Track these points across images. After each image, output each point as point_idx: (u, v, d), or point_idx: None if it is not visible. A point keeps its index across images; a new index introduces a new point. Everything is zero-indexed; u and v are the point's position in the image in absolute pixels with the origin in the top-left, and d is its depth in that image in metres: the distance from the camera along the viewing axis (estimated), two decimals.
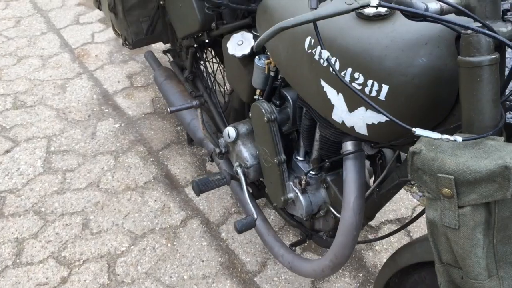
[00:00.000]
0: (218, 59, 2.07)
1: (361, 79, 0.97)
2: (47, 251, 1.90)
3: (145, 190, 2.15)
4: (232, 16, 1.68)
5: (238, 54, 1.47)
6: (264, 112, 1.43)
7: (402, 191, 2.15)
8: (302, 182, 1.46)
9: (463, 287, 0.84)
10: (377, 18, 0.98)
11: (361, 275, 1.83)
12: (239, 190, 1.72)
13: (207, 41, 1.78)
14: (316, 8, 0.82)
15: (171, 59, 2.24)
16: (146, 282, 1.79)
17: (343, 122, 1.09)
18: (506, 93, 0.87)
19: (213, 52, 2.06)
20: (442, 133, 0.76)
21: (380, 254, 1.90)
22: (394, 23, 0.95)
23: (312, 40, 1.07)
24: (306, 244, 1.94)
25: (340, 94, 1.04)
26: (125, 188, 2.16)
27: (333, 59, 1.02)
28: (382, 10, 0.97)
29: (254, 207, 1.59)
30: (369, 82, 0.96)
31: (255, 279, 1.82)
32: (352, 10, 0.76)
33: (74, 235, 1.96)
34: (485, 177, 0.73)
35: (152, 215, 2.04)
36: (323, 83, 1.07)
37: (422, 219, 1.96)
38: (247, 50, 1.46)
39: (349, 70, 0.99)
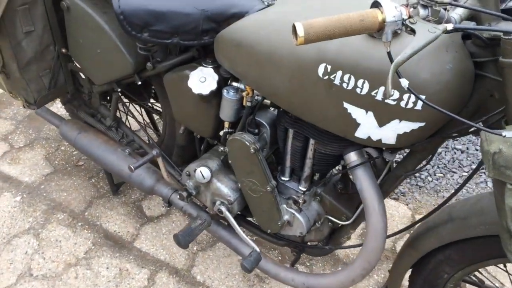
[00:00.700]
0: (147, 99, 1.90)
1: (396, 95, 1.01)
2: None
3: (90, 261, 1.90)
4: (164, 52, 1.56)
5: (206, 91, 1.38)
6: (248, 144, 1.38)
7: None
8: (299, 201, 1.46)
9: None
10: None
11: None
12: (222, 229, 1.63)
13: (139, 83, 1.63)
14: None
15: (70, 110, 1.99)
16: None
17: (368, 137, 1.12)
18: None
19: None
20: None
21: None
22: (413, 37, 1.01)
23: (329, 67, 1.06)
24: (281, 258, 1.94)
25: (370, 112, 1.06)
26: (65, 266, 1.88)
27: (360, 82, 1.03)
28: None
29: (250, 240, 1.54)
30: (405, 96, 1.00)
31: None
32: (437, 36, 0.79)
33: None
34: None
35: (112, 285, 1.82)
36: (346, 105, 1.08)
37: None
38: (213, 86, 1.38)
39: (382, 89, 1.01)
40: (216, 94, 1.41)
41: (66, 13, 1.59)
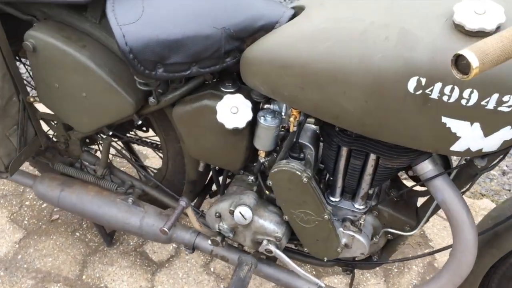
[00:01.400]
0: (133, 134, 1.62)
1: (511, 101, 0.87)
2: None
3: None
4: (166, 82, 1.30)
5: (242, 124, 1.16)
6: (299, 173, 1.19)
7: None
8: (360, 221, 1.30)
9: None
10: (482, 34, 0.87)
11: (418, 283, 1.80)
12: (269, 267, 1.44)
13: (139, 122, 1.36)
14: None
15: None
16: None
17: (467, 149, 0.97)
18: None
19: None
20: None
21: None
22: None
23: (423, 80, 0.89)
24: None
25: (476, 124, 0.92)
26: None
27: (466, 92, 0.88)
28: (487, 27, 0.86)
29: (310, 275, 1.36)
30: None
31: None
32: None
33: None
34: None
35: None
36: (445, 119, 0.93)
37: None
38: (249, 115, 1.16)
39: (495, 96, 0.87)
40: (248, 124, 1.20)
41: (31, 55, 1.27)
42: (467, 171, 1.18)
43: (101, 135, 1.56)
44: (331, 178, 1.32)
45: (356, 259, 1.48)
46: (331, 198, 1.34)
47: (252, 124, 1.22)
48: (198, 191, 1.60)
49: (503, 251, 1.24)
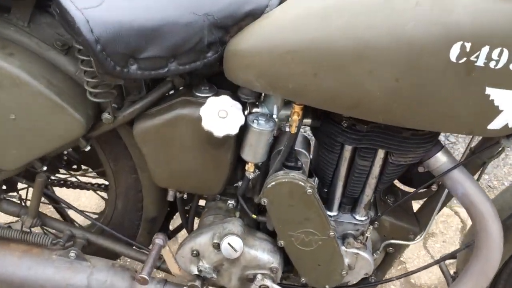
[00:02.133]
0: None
1: None
2: None
3: None
4: (120, 94, 1.05)
5: (234, 129, 0.94)
6: (303, 184, 1.01)
7: None
8: (366, 234, 1.14)
9: None
10: None
11: None
12: None
13: (87, 148, 1.07)
14: None
15: None
16: None
17: (505, 126, 0.88)
18: None
19: None
20: None
21: None
22: None
23: (468, 45, 0.78)
24: None
25: None
26: None
27: (505, 53, 0.78)
28: None
29: None
30: None
31: None
32: None
33: None
34: None
35: None
36: (490, 90, 0.82)
37: None
38: (242, 118, 0.95)
39: None
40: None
41: None
42: (474, 160, 1.09)
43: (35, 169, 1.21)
44: (326, 190, 1.16)
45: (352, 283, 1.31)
46: (328, 213, 1.16)
47: (239, 136, 1.02)
48: (156, 230, 1.32)
49: None
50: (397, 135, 0.98)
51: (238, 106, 0.97)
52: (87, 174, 1.43)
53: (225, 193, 1.19)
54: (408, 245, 1.26)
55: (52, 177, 1.43)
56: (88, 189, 1.45)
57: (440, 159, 1.03)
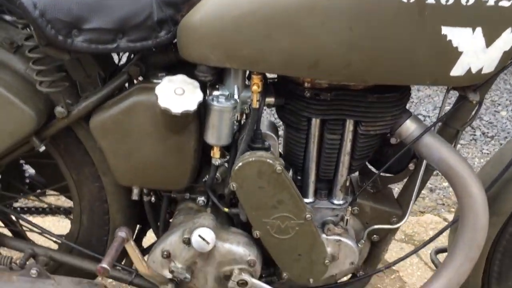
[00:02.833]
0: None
1: None
2: None
3: None
4: (73, 89, 1.01)
5: (192, 105, 0.90)
6: (271, 161, 0.96)
7: None
8: (346, 217, 1.08)
9: None
10: None
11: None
12: None
13: (42, 149, 1.01)
14: None
15: None
16: None
17: (468, 71, 0.86)
18: None
19: None
20: None
21: None
22: None
23: None
24: None
25: (478, 29, 0.81)
26: None
27: None
28: None
29: None
30: None
31: None
32: None
33: None
34: None
35: None
36: (446, 30, 0.81)
37: None
38: (200, 94, 0.92)
39: None
40: (194, 114, 0.95)
41: None
42: (447, 130, 1.06)
43: None
44: (299, 178, 1.11)
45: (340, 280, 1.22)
46: (304, 201, 1.10)
47: (201, 121, 0.98)
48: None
49: (504, 215, 1.10)
50: (363, 100, 0.96)
51: (196, 83, 0.94)
52: (49, 194, 1.35)
53: (195, 192, 1.13)
54: (394, 234, 1.20)
55: (16, 204, 1.36)
56: (53, 213, 1.37)
57: (410, 127, 1.00)
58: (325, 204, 1.10)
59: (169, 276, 1.06)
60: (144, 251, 1.34)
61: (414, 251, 1.20)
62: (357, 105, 0.96)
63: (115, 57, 1.11)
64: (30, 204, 1.44)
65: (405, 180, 1.15)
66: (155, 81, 0.98)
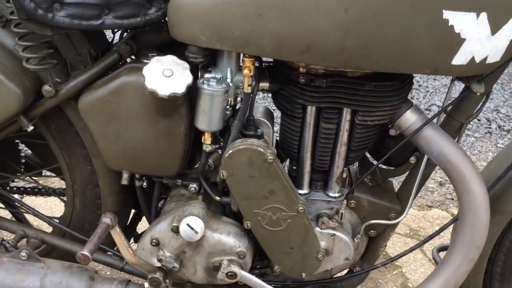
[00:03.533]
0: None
1: None
2: None
3: None
4: (62, 68, 0.98)
5: (181, 87, 0.86)
6: (262, 150, 0.92)
7: None
8: (341, 210, 1.04)
9: None
10: None
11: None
12: None
13: (30, 128, 0.99)
14: None
15: None
16: None
17: (471, 60, 0.80)
18: None
19: None
20: None
21: None
22: None
23: None
24: None
25: (483, 14, 0.75)
26: None
27: None
28: None
29: None
30: None
31: None
32: None
33: None
34: None
35: None
36: (447, 14, 0.75)
37: None
38: (189, 76, 0.88)
39: None
40: (184, 97, 0.92)
41: None
42: (451, 123, 1.01)
43: None
44: (295, 167, 1.07)
45: (337, 275, 1.18)
46: (299, 192, 1.06)
47: (192, 104, 0.94)
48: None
49: (508, 215, 1.05)
50: (360, 88, 0.91)
51: (185, 65, 0.90)
52: (45, 176, 1.34)
53: (187, 178, 1.10)
54: (393, 230, 1.16)
55: (12, 184, 1.35)
56: (49, 194, 1.36)
57: (410, 118, 0.95)
58: (320, 196, 1.06)
59: (158, 264, 1.04)
60: (139, 237, 1.34)
61: (414, 248, 1.15)
62: (354, 93, 0.91)
63: (111, 36, 1.08)
64: (26, 184, 1.43)
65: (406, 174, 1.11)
66: (145, 61, 0.95)
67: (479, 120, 2.61)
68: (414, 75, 0.97)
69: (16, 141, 1.32)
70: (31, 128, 1.00)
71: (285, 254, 1.04)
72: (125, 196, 1.17)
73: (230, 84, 0.95)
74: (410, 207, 1.08)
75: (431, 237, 1.11)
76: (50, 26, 0.83)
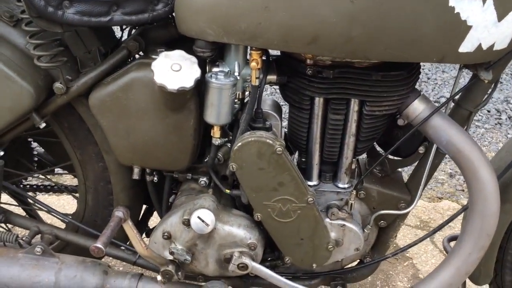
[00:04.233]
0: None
1: None
2: None
3: None
4: (72, 66, 1.00)
5: (189, 82, 0.88)
6: (271, 142, 0.92)
7: None
8: (351, 201, 1.04)
9: None
10: None
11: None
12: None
13: (43, 125, 1.01)
14: None
15: None
16: None
17: (478, 47, 0.80)
18: None
19: None
20: None
21: None
22: None
23: None
24: None
25: (489, 0, 0.75)
26: None
27: None
28: None
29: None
30: None
31: None
32: None
33: None
34: None
35: None
36: (453, 1, 0.75)
37: None
38: (197, 71, 0.89)
39: None
40: (192, 91, 0.93)
41: None
42: (459, 111, 1.01)
43: None
44: (303, 159, 1.07)
45: (347, 266, 1.19)
46: (308, 183, 1.07)
47: (201, 98, 0.95)
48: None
49: None
50: (368, 79, 0.91)
51: (193, 59, 0.91)
52: (57, 173, 1.36)
53: (197, 172, 1.11)
54: (403, 220, 1.16)
55: (24, 182, 1.38)
56: (61, 191, 1.38)
57: (418, 107, 0.95)
58: (330, 188, 1.07)
59: (170, 257, 1.05)
60: (151, 232, 1.35)
61: (424, 237, 1.15)
62: (362, 83, 0.92)
63: (119, 33, 1.10)
64: (39, 182, 1.45)
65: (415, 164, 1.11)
66: (154, 56, 0.96)
67: (489, 111, 2.60)
68: (422, 66, 0.97)
69: (29, 139, 1.34)
70: (43, 125, 1.01)
71: (296, 245, 1.04)
72: (137, 191, 1.18)
73: (238, 78, 0.95)
74: (419, 197, 1.08)
75: (441, 226, 1.11)
76: (60, 24, 0.84)
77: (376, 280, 1.57)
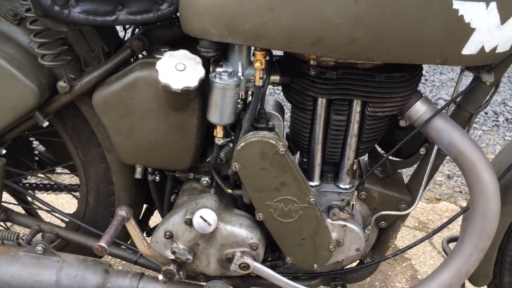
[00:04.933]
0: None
1: None
2: None
3: None
4: (76, 65, 1.00)
5: (193, 82, 0.88)
6: (274, 142, 0.93)
7: None
8: (352, 201, 1.05)
9: None
10: None
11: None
12: None
13: (45, 124, 1.01)
14: None
15: None
16: None
17: (481, 49, 0.81)
18: None
19: None
20: None
21: None
22: None
23: None
24: None
25: (492, 3, 0.76)
26: None
27: None
28: None
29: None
30: None
31: None
32: None
33: None
34: None
35: None
36: (457, 4, 0.76)
37: None
38: (201, 71, 0.89)
39: None
40: (196, 91, 0.93)
41: None
42: (460, 113, 1.01)
43: None
44: (305, 160, 1.08)
45: (348, 266, 1.20)
46: (310, 184, 1.07)
47: (204, 98, 0.96)
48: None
49: None
50: (370, 80, 0.92)
51: (198, 59, 0.91)
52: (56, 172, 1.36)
53: (199, 172, 1.11)
54: (403, 221, 1.16)
55: (24, 181, 1.37)
56: (61, 190, 1.38)
57: (420, 109, 0.96)
58: (331, 188, 1.08)
59: (172, 257, 1.05)
60: (151, 231, 1.35)
61: (423, 239, 1.16)
62: (365, 84, 0.92)
63: (122, 32, 1.10)
64: (38, 181, 1.45)
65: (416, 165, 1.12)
66: (158, 56, 0.96)
67: (486, 113, 2.62)
68: (422, 66, 0.98)
69: (30, 138, 1.34)
70: (46, 124, 1.01)
71: (297, 245, 1.05)
72: (138, 191, 1.18)
73: (242, 78, 0.96)
74: (420, 198, 1.09)
75: (440, 228, 1.11)
76: (66, 22, 0.84)
77: (374, 281, 1.58)
